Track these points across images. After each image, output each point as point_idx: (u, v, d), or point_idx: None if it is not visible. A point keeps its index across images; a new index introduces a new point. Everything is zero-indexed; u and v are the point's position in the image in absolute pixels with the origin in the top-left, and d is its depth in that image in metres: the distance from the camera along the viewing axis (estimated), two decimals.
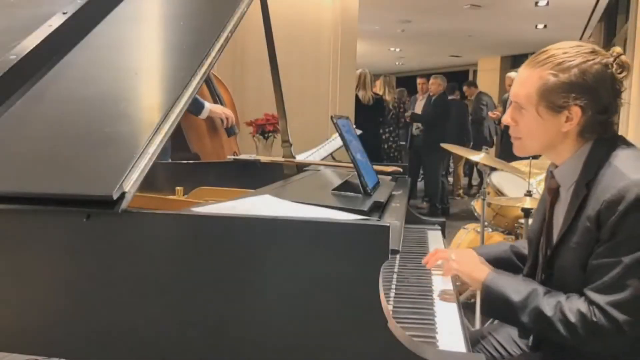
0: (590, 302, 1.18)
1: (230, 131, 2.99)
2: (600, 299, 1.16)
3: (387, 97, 6.25)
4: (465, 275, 1.39)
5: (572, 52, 1.24)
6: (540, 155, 1.86)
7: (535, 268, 1.40)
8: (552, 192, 1.37)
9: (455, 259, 1.42)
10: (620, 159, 1.22)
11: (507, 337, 1.56)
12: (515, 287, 1.26)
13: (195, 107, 2.74)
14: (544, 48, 1.28)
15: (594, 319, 1.16)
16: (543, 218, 1.40)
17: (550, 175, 1.38)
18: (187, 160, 2.46)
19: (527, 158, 3.08)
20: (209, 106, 2.79)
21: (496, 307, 1.29)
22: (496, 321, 2.16)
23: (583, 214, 1.22)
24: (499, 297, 1.27)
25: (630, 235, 1.14)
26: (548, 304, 1.21)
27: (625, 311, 1.14)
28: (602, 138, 1.27)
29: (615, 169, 1.20)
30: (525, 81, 1.28)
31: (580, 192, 1.24)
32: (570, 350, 1.25)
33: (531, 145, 1.33)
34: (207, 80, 2.99)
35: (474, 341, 1.55)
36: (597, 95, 1.23)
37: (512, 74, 7.35)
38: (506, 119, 1.34)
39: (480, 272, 1.34)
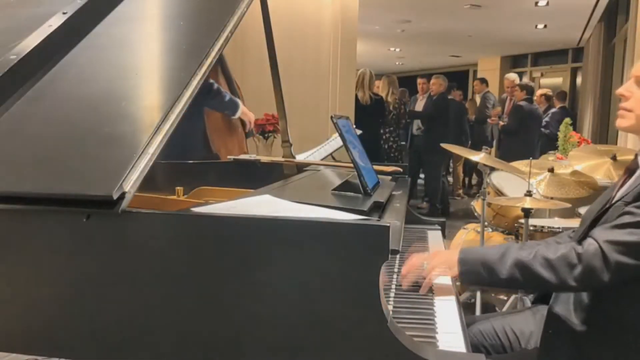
0: (586, 238, 1.21)
1: (250, 133, 3.02)
2: (602, 235, 1.19)
3: (389, 98, 6.25)
4: (439, 263, 1.38)
5: None
6: (539, 156, 1.85)
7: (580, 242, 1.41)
8: (628, 172, 1.39)
9: (427, 259, 1.42)
10: None
11: (501, 327, 1.57)
12: (488, 250, 1.32)
13: (232, 107, 2.78)
14: None
15: (580, 250, 1.18)
16: (606, 200, 1.40)
17: (634, 157, 1.39)
18: (208, 160, 2.49)
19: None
20: (242, 107, 2.83)
21: (476, 274, 1.31)
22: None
23: None
24: (476, 262, 1.30)
25: None
26: (525, 252, 1.24)
27: (621, 253, 1.16)
28: None
29: None
30: None
31: None
32: (571, 351, 1.25)
33: (638, 121, 1.32)
34: (230, 83, 3.03)
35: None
36: None
37: (510, 75, 7.36)
38: (621, 91, 1.35)
39: (453, 254, 1.36)
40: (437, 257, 1.41)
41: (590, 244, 1.19)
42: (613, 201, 1.34)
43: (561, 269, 1.20)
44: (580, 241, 1.32)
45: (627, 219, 1.19)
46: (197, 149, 2.77)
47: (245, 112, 2.91)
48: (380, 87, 6.40)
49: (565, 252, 1.21)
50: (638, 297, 1.26)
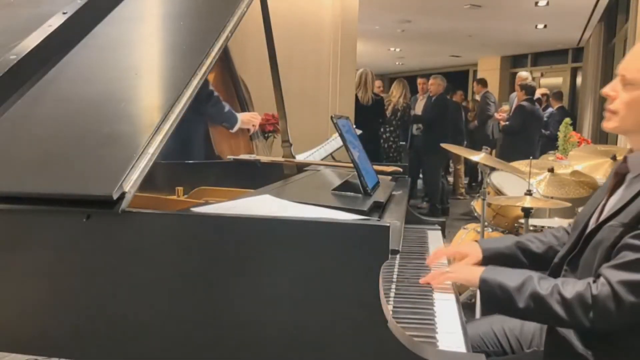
0: (599, 276, 1.18)
1: (254, 135, 3.00)
2: (612, 275, 1.16)
3: (401, 100, 6.28)
4: (463, 281, 1.41)
5: None
6: (540, 156, 1.86)
7: (572, 251, 1.39)
8: (618, 177, 1.36)
9: (451, 269, 1.43)
10: None
11: (500, 329, 1.57)
12: (510, 276, 1.28)
13: (230, 120, 2.77)
14: None
15: (594, 292, 1.16)
16: (597, 203, 1.39)
17: (623, 160, 1.36)
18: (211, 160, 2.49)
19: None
20: (240, 118, 2.82)
21: (494, 298, 1.30)
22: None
23: (638, 199, 1.21)
24: (495, 287, 1.28)
25: None
26: (543, 286, 1.23)
27: (634, 293, 1.14)
28: None
29: None
30: (639, 57, 1.26)
31: None
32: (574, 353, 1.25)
33: (625, 121, 1.29)
34: (236, 85, 3.01)
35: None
36: None
37: (522, 74, 7.35)
38: (606, 91, 1.31)
39: (476, 271, 1.35)
40: (461, 273, 1.41)
41: (603, 285, 1.17)
42: (604, 212, 1.31)
43: (576, 310, 1.18)
44: (577, 258, 1.31)
45: (630, 256, 1.16)
46: (199, 152, 2.76)
47: (249, 120, 2.88)
48: (394, 90, 6.43)
49: (581, 290, 1.19)
50: None
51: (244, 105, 3.01)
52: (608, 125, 1.33)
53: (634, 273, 1.14)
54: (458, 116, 7.33)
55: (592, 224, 1.35)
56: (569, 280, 1.24)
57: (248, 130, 2.93)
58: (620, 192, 1.33)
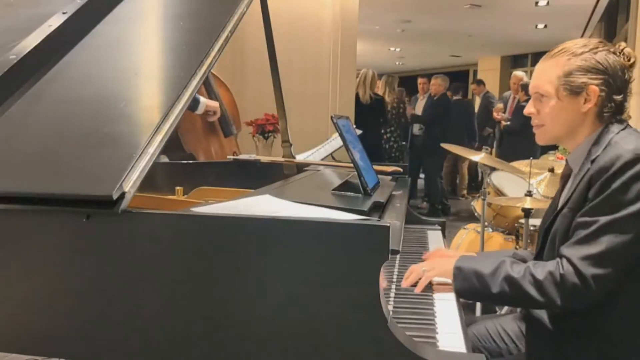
0: (561, 257, 1.25)
1: (227, 131, 2.95)
2: (572, 253, 1.23)
3: (387, 98, 6.24)
4: (440, 274, 1.41)
5: (582, 43, 1.35)
6: (540, 156, 1.87)
7: (537, 250, 1.46)
8: (564, 178, 1.46)
9: (426, 268, 1.43)
10: (623, 136, 1.30)
11: (495, 330, 1.57)
12: (484, 262, 1.34)
13: (192, 103, 2.70)
14: (555, 48, 1.38)
15: (561, 271, 1.22)
16: (554, 206, 1.46)
17: (566, 163, 1.46)
18: (183, 160, 2.45)
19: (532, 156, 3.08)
20: (204, 101, 2.76)
21: (469, 284, 1.33)
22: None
23: (581, 183, 1.30)
24: (470, 274, 1.33)
25: (610, 197, 1.22)
26: (516, 269, 1.28)
27: (594, 265, 1.20)
28: (615, 121, 1.34)
29: (616, 144, 1.28)
30: (543, 71, 1.38)
31: (585, 167, 1.31)
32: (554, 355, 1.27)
33: (553, 130, 1.39)
34: (206, 79, 2.95)
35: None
36: (610, 76, 1.31)
37: (518, 73, 7.34)
38: (528, 110, 1.42)
39: (449, 262, 1.39)
40: (436, 266, 1.42)
41: (566, 264, 1.23)
42: (558, 208, 1.38)
43: (548, 289, 1.23)
44: (541, 254, 1.40)
45: (583, 232, 1.23)
46: (168, 149, 2.68)
47: (210, 104, 2.75)
48: (380, 88, 6.40)
49: (552, 269, 1.24)
50: (624, 309, 1.28)
51: (214, 97, 2.95)
52: (540, 139, 1.45)
53: (590, 246, 1.22)
54: (470, 115, 7.24)
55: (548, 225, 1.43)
56: (540, 262, 1.30)
57: (223, 128, 2.86)
58: (567, 187, 1.42)
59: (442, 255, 1.56)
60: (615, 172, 1.22)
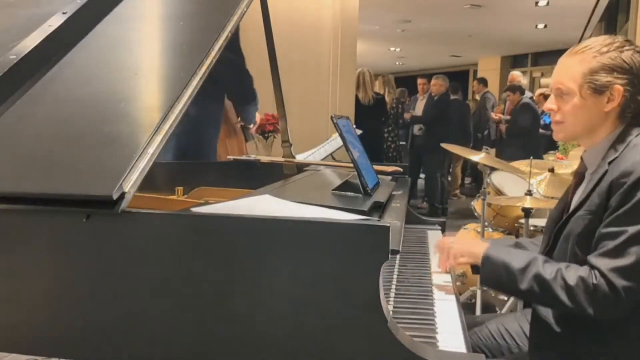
0: (592, 267, 1.23)
1: (248, 136, 3.01)
2: (602, 264, 1.21)
3: (387, 98, 6.24)
4: (465, 252, 1.42)
5: (607, 41, 1.31)
6: (541, 156, 1.88)
7: (546, 247, 1.44)
8: (578, 176, 1.44)
9: (454, 241, 1.45)
10: None
11: (496, 329, 1.57)
12: (515, 256, 1.32)
13: (253, 120, 2.81)
14: (578, 43, 1.35)
15: (594, 281, 1.21)
16: (564, 202, 1.45)
17: (580, 160, 1.44)
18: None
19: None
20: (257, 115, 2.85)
21: (496, 275, 1.33)
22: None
23: (599, 187, 1.28)
24: (499, 265, 1.32)
25: (636, 206, 1.20)
26: (548, 270, 1.26)
27: (625, 277, 1.19)
28: (635, 123, 1.32)
29: (635, 147, 1.26)
30: (566, 68, 1.34)
31: (601, 169, 1.30)
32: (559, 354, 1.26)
33: (573, 128, 1.36)
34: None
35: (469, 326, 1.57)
36: (635, 76, 1.29)
37: (515, 72, 7.35)
38: (548, 106, 1.39)
39: (479, 246, 1.39)
40: (463, 244, 1.44)
41: (599, 275, 1.22)
42: (571, 208, 1.37)
43: (579, 297, 1.22)
44: (550, 253, 1.39)
45: (611, 243, 1.22)
46: (210, 156, 2.74)
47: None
48: (377, 88, 6.39)
49: (584, 276, 1.23)
50: (637, 312, 1.27)
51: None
52: (559, 136, 1.41)
53: (620, 258, 1.20)
54: (465, 116, 7.26)
55: (560, 223, 1.41)
56: (571, 265, 1.28)
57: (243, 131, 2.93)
58: (582, 187, 1.41)
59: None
60: (638, 179, 1.20)
